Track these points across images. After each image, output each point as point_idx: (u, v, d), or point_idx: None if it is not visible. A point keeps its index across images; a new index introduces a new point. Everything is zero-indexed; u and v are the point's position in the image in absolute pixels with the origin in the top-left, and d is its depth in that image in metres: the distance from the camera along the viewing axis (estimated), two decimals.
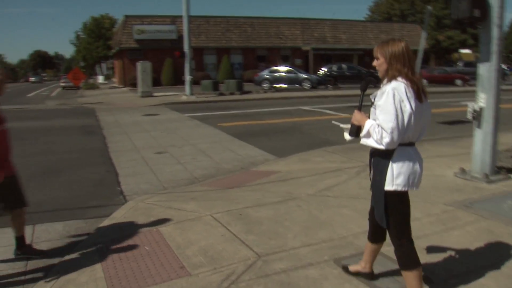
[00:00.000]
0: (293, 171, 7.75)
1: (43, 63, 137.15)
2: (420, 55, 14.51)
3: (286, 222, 5.15)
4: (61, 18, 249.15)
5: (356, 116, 3.23)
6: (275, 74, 33.58)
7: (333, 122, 3.87)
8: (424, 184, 3.71)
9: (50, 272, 4.27)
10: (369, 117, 3.19)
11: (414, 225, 3.54)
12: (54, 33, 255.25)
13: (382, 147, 3.04)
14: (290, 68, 34.35)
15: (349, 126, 3.32)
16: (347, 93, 27.40)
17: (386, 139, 2.99)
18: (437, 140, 10.31)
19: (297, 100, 24.02)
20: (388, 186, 3.14)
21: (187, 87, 26.86)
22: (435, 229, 4.81)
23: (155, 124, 15.45)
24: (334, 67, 35.96)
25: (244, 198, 6.15)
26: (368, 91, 3.29)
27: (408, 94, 3.02)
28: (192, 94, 26.57)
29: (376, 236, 3.58)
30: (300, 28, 48.72)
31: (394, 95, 2.99)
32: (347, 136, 3.36)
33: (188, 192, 6.75)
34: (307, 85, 32.44)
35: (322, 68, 36.46)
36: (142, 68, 28.50)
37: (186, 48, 26.69)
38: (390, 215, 3.21)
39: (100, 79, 60.96)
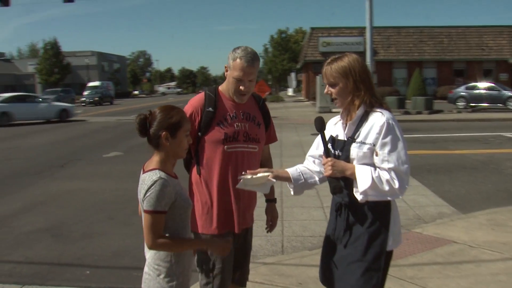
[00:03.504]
0: (475, 242, 5.08)
1: None
2: None
3: None
4: (260, 32, 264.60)
5: (337, 165, 2.46)
6: (473, 91, 29.13)
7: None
8: None
9: None
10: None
11: None
12: (254, 47, 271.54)
13: (397, 197, 2.45)
14: (492, 85, 29.52)
15: (248, 176, 2.62)
16: None
17: (406, 185, 2.41)
18: None
19: (498, 124, 19.88)
20: (392, 246, 2.56)
21: None
22: None
23: None
24: None
25: None
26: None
27: None
28: None
29: None
30: (508, 38, 42.17)
31: (398, 128, 2.46)
32: (244, 184, 2.66)
33: (297, 265, 4.62)
34: None
35: None
36: (321, 82, 26.95)
37: (368, 60, 24.40)
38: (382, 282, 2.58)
39: (290, 92, 61.47)
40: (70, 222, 6.82)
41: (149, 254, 2.45)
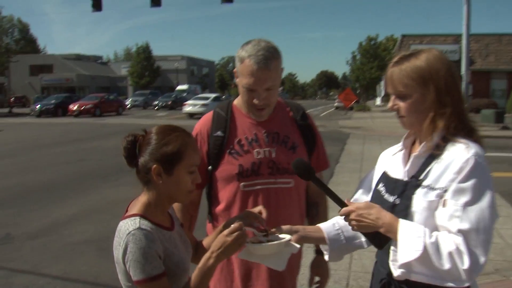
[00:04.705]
0: None
1: (328, 83, 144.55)
2: None
3: None
4: (349, 40, 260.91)
5: (366, 217, 1.59)
6: None
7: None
8: None
9: None
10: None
11: None
12: (342, 55, 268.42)
13: (461, 284, 1.49)
14: None
15: (262, 244, 1.69)
16: None
17: (479, 269, 1.46)
18: None
19: None
20: None
21: None
22: None
23: None
24: None
25: None
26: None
27: None
28: None
29: None
30: None
31: (487, 173, 1.57)
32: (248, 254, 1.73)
33: None
34: None
35: None
36: None
37: (463, 70, 22.59)
38: None
39: (378, 101, 59.50)
40: None
41: None
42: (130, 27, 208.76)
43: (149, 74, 68.93)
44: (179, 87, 61.85)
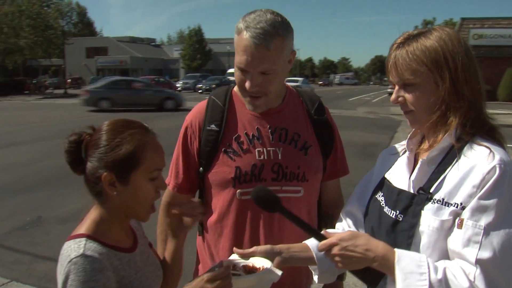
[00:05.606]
0: None
1: (382, 68, 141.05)
2: None
3: None
4: (406, 24, 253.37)
5: (351, 250, 1.27)
6: None
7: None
8: None
9: None
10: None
11: None
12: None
13: None
14: None
15: (238, 278, 1.36)
16: None
17: None
18: None
19: None
20: None
21: None
22: None
23: None
24: None
25: None
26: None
27: None
28: None
29: None
30: None
31: None
32: None
33: None
34: None
35: None
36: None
37: None
38: None
39: None
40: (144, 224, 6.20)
41: None
42: (184, 10, 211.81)
43: (200, 57, 69.40)
44: (230, 70, 61.74)
